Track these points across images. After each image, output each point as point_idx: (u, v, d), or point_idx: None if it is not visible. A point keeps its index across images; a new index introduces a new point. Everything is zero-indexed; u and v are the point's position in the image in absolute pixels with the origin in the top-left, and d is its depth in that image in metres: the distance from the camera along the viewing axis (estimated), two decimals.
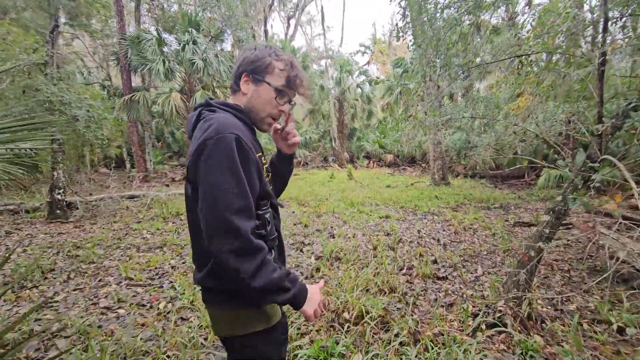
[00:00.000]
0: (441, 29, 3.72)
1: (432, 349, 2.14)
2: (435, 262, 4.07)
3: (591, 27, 3.53)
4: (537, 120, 6.82)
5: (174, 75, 12.60)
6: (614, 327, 2.44)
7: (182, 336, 2.34)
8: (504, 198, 8.55)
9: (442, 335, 2.33)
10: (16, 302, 3.09)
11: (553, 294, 3.13)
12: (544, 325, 2.51)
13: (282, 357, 1.13)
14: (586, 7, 4.79)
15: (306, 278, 3.58)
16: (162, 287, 3.45)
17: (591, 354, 2.13)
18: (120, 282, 3.57)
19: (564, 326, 2.50)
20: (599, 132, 2.70)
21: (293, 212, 7.08)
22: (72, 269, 3.92)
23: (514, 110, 5.46)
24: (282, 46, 20.09)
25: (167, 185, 11.89)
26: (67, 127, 6.08)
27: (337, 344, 2.23)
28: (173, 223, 6.29)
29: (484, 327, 2.41)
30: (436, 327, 2.45)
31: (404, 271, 3.77)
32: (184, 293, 3.14)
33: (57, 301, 3.13)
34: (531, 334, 2.34)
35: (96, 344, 2.25)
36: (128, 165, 15.40)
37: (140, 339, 2.36)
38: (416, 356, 2.11)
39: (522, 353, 2.13)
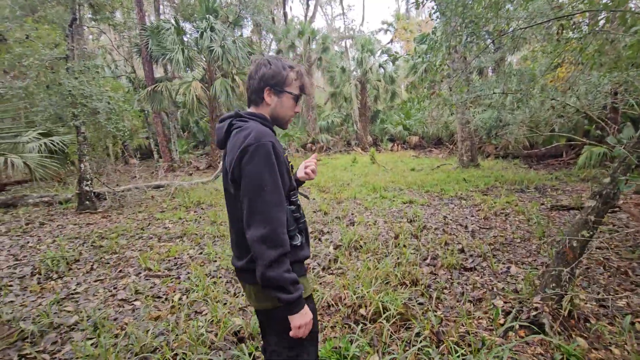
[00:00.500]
0: None
1: (457, 352, 1.93)
2: (462, 251, 3.79)
3: None
4: (578, 93, 6.18)
5: (193, 64, 12.62)
6: None
7: (192, 332, 2.27)
8: (539, 179, 7.95)
9: (469, 335, 2.11)
10: (40, 293, 3.17)
11: (597, 288, 2.80)
12: (587, 325, 2.22)
13: (316, 323, 1.28)
14: None
15: (323, 269, 3.44)
16: (179, 277, 3.44)
17: None
18: (140, 273, 3.59)
19: (612, 326, 2.20)
20: None
21: (313, 199, 6.93)
22: (95, 260, 4.01)
23: (552, 82, 4.91)
24: (302, 28, 19.58)
25: (191, 174, 12.10)
26: (90, 119, 6.20)
27: (352, 343, 2.07)
28: (195, 212, 6.34)
29: (517, 326, 2.16)
30: (462, 326, 2.23)
31: (427, 261, 3.53)
32: (198, 285, 3.09)
33: (78, 292, 3.19)
34: (573, 335, 2.07)
35: (104, 339, 2.22)
36: (155, 156, 15.84)
37: (151, 333, 2.31)
38: None
39: (562, 359, 1.88)
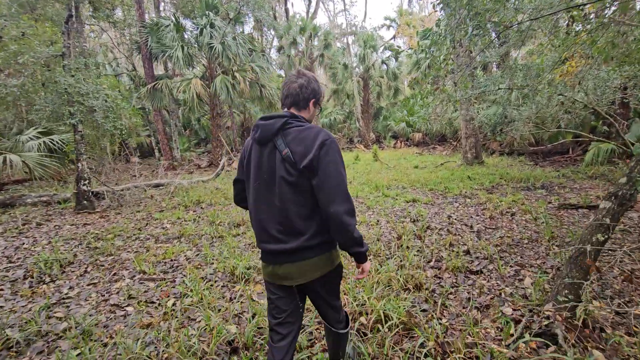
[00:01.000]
0: None
1: None
2: (467, 252, 3.66)
3: None
4: (587, 89, 5.98)
5: (193, 61, 12.49)
6: None
7: (183, 342, 2.16)
8: (546, 177, 7.77)
9: (477, 347, 1.98)
10: (32, 298, 3.08)
11: (611, 293, 2.65)
12: (603, 335, 2.08)
13: None
14: None
15: None
16: (174, 281, 3.33)
17: None
18: (134, 277, 3.49)
19: (630, 337, 2.06)
20: None
21: None
22: (90, 262, 3.91)
23: (561, 76, 4.73)
24: (304, 25, 19.36)
25: (192, 173, 12.01)
26: (86, 117, 6.09)
27: None
28: (194, 212, 6.24)
29: (527, 336, 2.03)
30: (469, 335, 2.10)
31: (431, 264, 3.40)
32: (192, 290, 2.98)
33: (70, 297, 3.09)
34: (588, 347, 1.93)
35: (92, 349, 2.11)
36: (157, 154, 15.76)
37: (141, 342, 2.20)
38: None
39: None
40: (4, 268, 3.76)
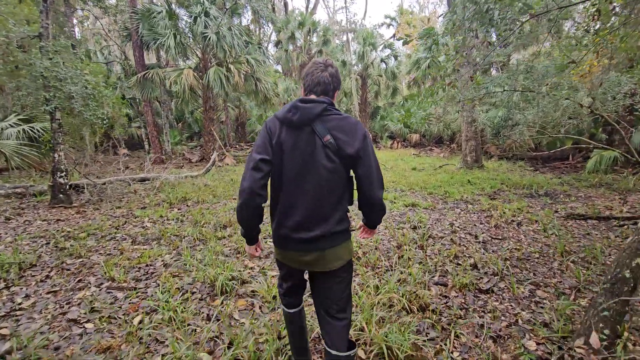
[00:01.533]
0: None
1: None
2: (474, 267, 3.32)
3: None
4: (595, 94, 5.68)
5: (187, 51, 11.99)
6: None
7: None
8: (548, 183, 7.50)
9: None
10: None
11: None
12: None
13: None
14: None
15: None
16: (146, 292, 2.94)
17: None
18: (101, 284, 3.08)
19: None
20: None
21: None
22: (55, 265, 3.49)
23: (576, 78, 4.41)
24: (303, 19, 18.90)
25: (181, 167, 11.55)
26: (64, 104, 5.62)
27: None
28: (178, 209, 5.82)
29: None
30: None
31: (436, 279, 3.06)
32: (165, 304, 2.59)
33: (23, 308, 2.68)
34: None
35: None
36: (146, 146, 15.21)
37: None
38: None
39: None
40: None
